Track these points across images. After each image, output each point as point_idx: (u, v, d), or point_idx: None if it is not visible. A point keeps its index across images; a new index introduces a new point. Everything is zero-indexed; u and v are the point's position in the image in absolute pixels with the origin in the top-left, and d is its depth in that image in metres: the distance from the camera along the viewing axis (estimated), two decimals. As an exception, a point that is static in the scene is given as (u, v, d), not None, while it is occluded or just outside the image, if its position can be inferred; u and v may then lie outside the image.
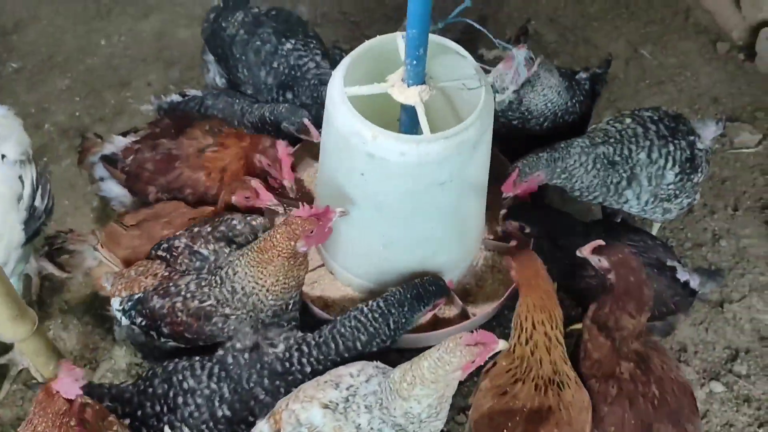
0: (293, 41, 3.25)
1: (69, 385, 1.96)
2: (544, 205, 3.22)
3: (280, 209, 2.87)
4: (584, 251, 2.51)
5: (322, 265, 2.97)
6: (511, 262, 2.60)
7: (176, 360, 2.48)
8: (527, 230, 2.89)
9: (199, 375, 2.41)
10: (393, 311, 2.52)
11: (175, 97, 3.32)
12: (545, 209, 3.08)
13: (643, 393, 2.41)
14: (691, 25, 4.38)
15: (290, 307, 2.52)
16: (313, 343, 2.45)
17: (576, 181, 2.76)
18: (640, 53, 4.23)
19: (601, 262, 2.47)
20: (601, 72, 3.31)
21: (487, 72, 2.70)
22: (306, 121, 3.02)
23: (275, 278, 2.42)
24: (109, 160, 3.06)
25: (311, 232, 2.38)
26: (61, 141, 3.73)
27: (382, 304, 2.54)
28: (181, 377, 2.42)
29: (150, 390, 2.43)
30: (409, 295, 2.57)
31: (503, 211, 2.96)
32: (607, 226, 3.01)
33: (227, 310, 2.46)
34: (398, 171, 2.37)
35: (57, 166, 3.62)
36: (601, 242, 2.49)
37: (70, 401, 1.97)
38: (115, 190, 3.11)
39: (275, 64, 3.25)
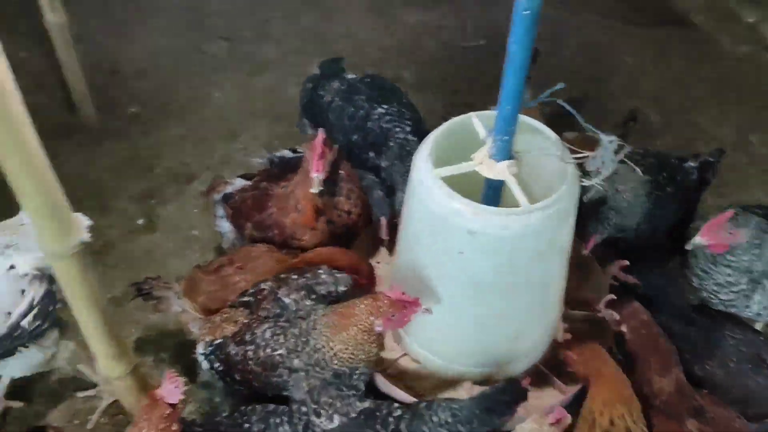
0: (386, 107, 3.29)
1: (172, 391, 2.21)
2: (665, 273, 3.03)
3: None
4: (601, 305, 2.69)
5: (405, 354, 2.94)
6: (571, 355, 2.59)
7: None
8: (638, 290, 2.83)
9: (296, 424, 2.41)
10: (461, 428, 2.28)
11: (287, 152, 3.43)
12: (669, 279, 2.92)
13: None
14: (804, 114, 4.26)
15: (354, 377, 2.46)
16: None
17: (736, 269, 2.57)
18: (748, 140, 4.12)
19: (613, 315, 2.62)
20: (714, 161, 3.16)
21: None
22: (383, 220, 3.04)
23: (345, 345, 2.42)
24: (226, 199, 3.24)
25: (392, 316, 2.38)
26: (169, 185, 3.92)
27: (450, 419, 2.30)
28: (278, 420, 2.42)
29: (246, 425, 2.44)
30: (477, 411, 2.30)
31: (622, 262, 2.88)
32: (708, 312, 2.82)
33: (295, 362, 2.47)
34: (501, 245, 2.36)
35: (163, 209, 3.80)
36: (613, 297, 2.66)
37: (172, 406, 2.21)
38: (225, 226, 3.27)
39: (367, 126, 3.29)
